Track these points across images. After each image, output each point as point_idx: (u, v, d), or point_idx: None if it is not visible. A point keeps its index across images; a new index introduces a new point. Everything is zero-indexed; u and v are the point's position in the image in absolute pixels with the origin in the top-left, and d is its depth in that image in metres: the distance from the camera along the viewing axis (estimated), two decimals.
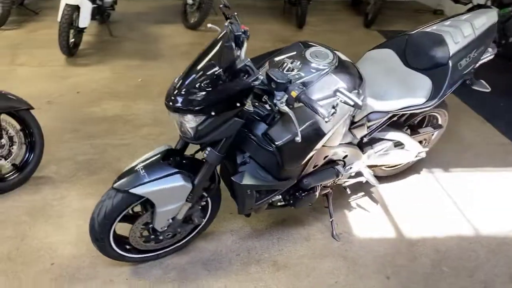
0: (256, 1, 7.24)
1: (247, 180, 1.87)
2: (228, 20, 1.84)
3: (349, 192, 2.50)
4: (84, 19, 4.64)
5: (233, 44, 1.76)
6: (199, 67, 1.64)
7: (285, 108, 1.60)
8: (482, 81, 2.57)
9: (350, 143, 2.23)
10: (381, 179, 2.77)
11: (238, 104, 1.64)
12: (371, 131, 2.29)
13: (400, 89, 2.23)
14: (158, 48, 5.12)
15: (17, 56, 4.66)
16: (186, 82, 1.62)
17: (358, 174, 2.46)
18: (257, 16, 6.33)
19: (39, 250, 2.23)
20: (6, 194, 2.59)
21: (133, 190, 1.77)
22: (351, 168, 2.38)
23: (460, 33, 2.31)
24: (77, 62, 4.66)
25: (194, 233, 2.23)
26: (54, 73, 4.33)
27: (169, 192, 1.82)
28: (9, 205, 2.52)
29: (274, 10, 6.68)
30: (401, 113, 2.26)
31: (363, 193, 2.79)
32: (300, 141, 1.62)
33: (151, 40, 5.38)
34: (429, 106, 2.26)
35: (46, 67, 4.50)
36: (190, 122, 1.64)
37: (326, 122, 1.55)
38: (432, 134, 2.84)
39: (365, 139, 2.30)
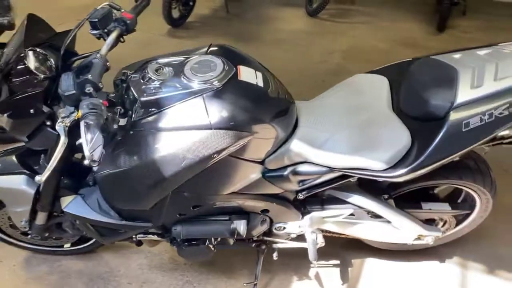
0: None
1: (73, 209, 1.51)
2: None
3: (275, 258, 1.85)
4: None
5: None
6: None
7: (60, 129, 1.16)
8: None
9: (272, 195, 1.60)
10: (378, 251, 2.05)
11: (32, 111, 1.27)
12: (308, 188, 1.60)
13: (355, 140, 1.47)
14: (265, 32, 4.78)
15: None
16: None
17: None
18: (395, 12, 5.32)
19: None
20: None
21: None
22: (284, 228, 1.74)
23: (492, 72, 1.37)
24: (176, 34, 4.71)
25: (93, 241, 1.96)
26: (147, 40, 4.38)
27: (11, 192, 1.61)
28: None
29: (425, 8, 5.51)
30: (349, 174, 1.50)
31: (336, 262, 2.06)
32: (40, 181, 1.17)
33: (264, 22, 5.08)
34: (384, 177, 1.43)
35: (146, 33, 4.63)
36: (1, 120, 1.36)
37: (89, 163, 1.06)
38: (456, 217, 1.89)
39: (300, 196, 1.62)
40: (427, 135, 1.39)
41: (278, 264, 2.01)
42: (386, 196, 1.68)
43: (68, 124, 1.15)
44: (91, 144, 1.04)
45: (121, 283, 1.96)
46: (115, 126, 1.33)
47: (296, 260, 2.03)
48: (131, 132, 1.33)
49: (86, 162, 1.08)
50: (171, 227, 1.59)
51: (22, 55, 1.27)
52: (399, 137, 1.43)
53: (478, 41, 4.52)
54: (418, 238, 1.87)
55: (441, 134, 1.35)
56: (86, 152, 1.04)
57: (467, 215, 1.93)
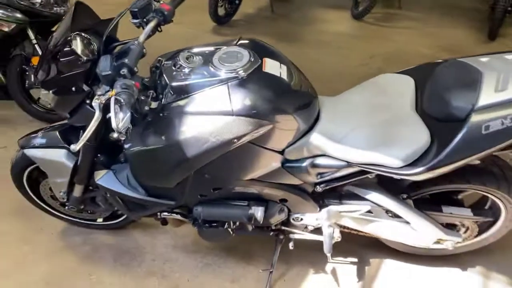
0: (464, 1, 5.97)
1: (105, 181, 1.63)
2: None
3: (291, 248, 1.90)
4: None
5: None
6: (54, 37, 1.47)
7: (95, 105, 1.28)
8: None
9: (291, 186, 1.66)
10: (398, 253, 2.06)
11: (74, 89, 1.40)
12: (327, 181, 1.64)
13: (375, 136, 1.50)
14: (309, 33, 4.81)
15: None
16: (43, 56, 1.48)
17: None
18: (444, 18, 5.18)
19: None
20: None
21: (25, 151, 1.78)
22: (301, 219, 1.79)
23: None
24: (221, 32, 4.85)
25: (123, 218, 2.10)
26: (192, 36, 4.53)
27: (53, 164, 1.76)
28: None
29: (476, 15, 5.33)
30: (366, 170, 1.53)
31: (353, 260, 2.08)
32: (75, 149, 1.30)
33: (309, 23, 5.12)
34: (401, 174, 1.45)
35: (191, 29, 4.81)
36: (44, 97, 1.51)
37: (117, 136, 1.18)
38: (480, 223, 1.86)
39: (318, 188, 1.67)
40: (446, 136, 1.40)
41: (296, 256, 2.07)
42: (404, 196, 1.69)
43: (103, 101, 1.27)
44: (119, 119, 1.15)
45: (146, 259, 2.08)
46: (146, 108, 1.44)
47: (314, 253, 2.07)
48: (161, 115, 1.44)
49: (114, 135, 1.19)
50: (192, 207, 1.68)
51: (69, 38, 1.40)
52: (418, 136, 1.45)
53: None
54: (438, 242, 1.86)
55: (460, 135, 1.36)
56: (114, 125, 1.15)
57: (492, 224, 1.89)
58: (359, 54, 4.13)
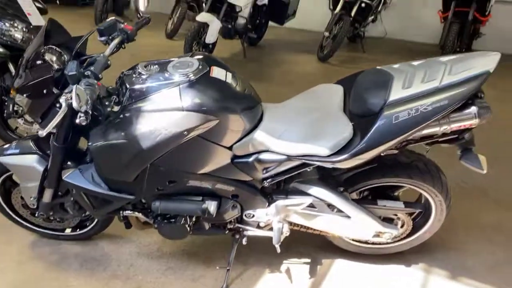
0: (418, 45, 6.52)
1: (71, 178, 1.82)
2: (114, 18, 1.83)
3: (244, 243, 2.06)
4: (211, 36, 5.12)
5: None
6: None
7: (62, 100, 1.50)
8: (480, 156, 1.75)
9: (241, 182, 1.86)
10: (348, 253, 2.24)
11: (45, 91, 1.62)
12: (272, 176, 1.85)
13: (307, 132, 1.74)
14: (277, 74, 5.19)
15: None
16: (19, 66, 1.71)
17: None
18: (403, 60, 5.59)
19: None
20: None
21: (0, 159, 1.95)
22: (253, 216, 1.97)
23: (420, 76, 1.64)
24: None
25: (89, 228, 2.24)
26: None
27: (23, 169, 1.93)
28: None
29: (433, 55, 5.74)
30: (303, 161, 1.76)
31: (306, 260, 2.24)
32: (43, 135, 1.50)
33: (278, 65, 5.52)
34: (329, 161, 1.68)
35: None
36: (18, 102, 1.72)
37: (78, 120, 1.40)
38: (412, 217, 2.07)
39: (266, 183, 1.87)
40: (365, 128, 1.64)
41: (253, 258, 2.23)
42: (341, 189, 1.90)
43: (69, 98, 1.49)
44: (79, 100, 1.38)
45: (111, 264, 2.20)
46: (109, 109, 1.66)
47: (270, 257, 2.23)
48: (121, 115, 1.66)
49: (77, 119, 1.41)
50: (151, 202, 1.85)
51: (42, 50, 1.64)
52: (342, 130, 1.69)
53: None
54: (377, 236, 2.04)
55: (375, 125, 1.61)
56: (74, 104, 1.40)
57: (426, 220, 2.10)
58: None
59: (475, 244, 2.37)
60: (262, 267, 2.20)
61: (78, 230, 2.29)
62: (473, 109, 1.60)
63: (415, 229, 2.14)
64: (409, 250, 2.23)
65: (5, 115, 3.10)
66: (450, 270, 2.21)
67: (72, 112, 1.55)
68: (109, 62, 1.71)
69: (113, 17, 1.81)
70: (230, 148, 1.76)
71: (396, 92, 1.62)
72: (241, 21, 5.44)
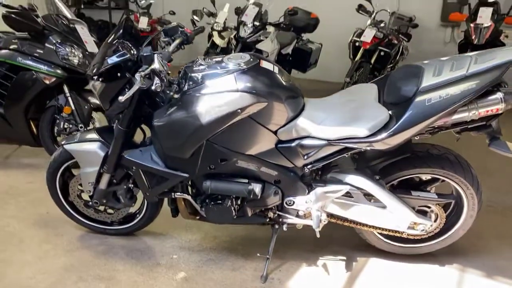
0: None
1: (132, 156, 2.01)
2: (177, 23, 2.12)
3: (285, 229, 2.17)
4: None
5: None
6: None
7: (137, 76, 1.74)
8: (508, 143, 1.90)
9: (284, 167, 2.02)
10: (383, 253, 2.31)
11: (119, 74, 1.87)
12: (313, 162, 2.01)
13: (346, 117, 1.92)
14: None
15: None
16: (96, 56, 1.98)
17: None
18: None
19: None
20: None
21: (65, 146, 2.17)
22: (293, 203, 2.11)
23: (449, 66, 1.84)
24: None
25: (135, 221, 2.39)
26: None
27: (86, 154, 2.14)
28: None
29: None
30: (343, 145, 1.92)
31: (343, 258, 2.32)
32: (122, 100, 1.72)
33: None
34: (368, 141, 1.84)
35: None
36: (92, 88, 1.96)
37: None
38: (446, 213, 2.17)
39: (306, 170, 2.03)
40: (401, 111, 1.83)
41: (290, 254, 2.32)
42: (377, 177, 2.04)
43: (143, 74, 1.73)
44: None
45: (155, 255, 2.31)
46: (170, 94, 1.90)
47: (307, 252, 2.33)
48: (182, 98, 1.88)
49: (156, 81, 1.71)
50: (202, 183, 2.01)
51: (117, 42, 1.93)
52: (379, 114, 1.87)
53: None
54: (412, 228, 2.14)
55: (410, 107, 1.79)
56: (156, 65, 1.72)
57: (459, 216, 2.20)
58: None
59: (509, 250, 2.41)
60: (300, 261, 2.29)
61: (124, 224, 2.42)
62: (499, 94, 1.78)
63: (448, 227, 2.22)
64: (441, 252, 2.30)
65: (55, 131, 3.36)
66: (484, 270, 2.25)
67: (141, 93, 1.79)
68: (172, 57, 1.96)
69: (175, 22, 2.10)
70: (275, 132, 1.94)
71: (428, 80, 1.82)
72: None
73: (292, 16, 5.88)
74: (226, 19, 5.66)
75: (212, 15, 5.72)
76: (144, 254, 2.31)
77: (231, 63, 1.90)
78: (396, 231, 2.15)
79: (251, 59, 1.93)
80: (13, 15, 2.98)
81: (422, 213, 2.15)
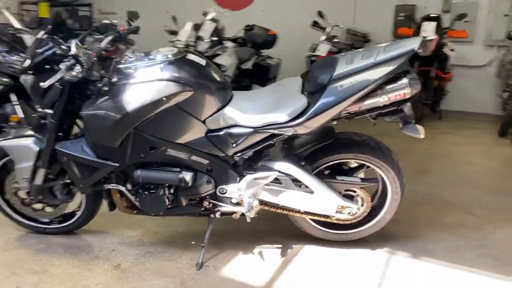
0: None
1: (63, 147, 2.07)
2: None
3: (218, 216, 2.24)
4: None
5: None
6: None
7: (61, 65, 1.82)
8: (418, 126, 2.06)
9: (215, 156, 2.11)
10: (317, 240, 2.40)
11: (48, 67, 1.94)
12: (242, 150, 2.11)
13: (268, 106, 2.04)
14: None
15: None
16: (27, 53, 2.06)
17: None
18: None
19: None
20: None
21: None
22: (226, 191, 2.19)
23: (360, 56, 2.00)
24: None
25: (75, 219, 2.41)
26: None
27: (21, 150, 2.18)
28: None
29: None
30: (266, 132, 2.03)
31: (278, 246, 2.39)
32: (44, 86, 1.80)
33: None
34: (288, 126, 1.96)
35: None
36: (23, 82, 2.02)
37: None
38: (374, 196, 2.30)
39: (236, 158, 2.12)
40: (317, 98, 1.96)
41: (228, 245, 2.38)
42: (303, 163, 2.16)
43: (68, 64, 1.82)
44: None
45: (94, 250, 2.33)
46: (100, 85, 1.98)
47: (245, 243, 2.40)
48: (110, 88, 1.97)
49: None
50: (133, 172, 2.08)
51: (46, 38, 2.01)
52: (298, 100, 2.00)
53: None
54: (340, 212, 2.24)
55: (324, 93, 1.93)
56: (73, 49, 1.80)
57: (384, 200, 2.32)
58: None
59: (438, 234, 2.55)
60: (236, 250, 2.35)
61: (63, 223, 2.44)
62: (405, 80, 1.94)
63: (375, 212, 2.34)
64: (374, 238, 2.41)
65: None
66: (413, 252, 2.36)
67: (71, 85, 1.88)
68: (102, 53, 2.05)
69: (107, 20, 2.20)
70: (204, 122, 2.04)
71: (340, 68, 1.97)
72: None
73: (249, 32, 6.08)
74: (188, 36, 5.80)
75: (174, 33, 5.86)
76: (82, 250, 2.33)
77: (159, 55, 2.01)
78: (325, 216, 2.25)
79: (178, 52, 2.04)
80: None
81: (349, 197, 2.26)
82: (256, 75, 6.63)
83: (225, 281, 2.09)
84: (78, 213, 2.39)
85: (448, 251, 2.37)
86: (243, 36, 6.03)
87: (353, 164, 2.32)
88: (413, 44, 1.95)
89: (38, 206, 2.37)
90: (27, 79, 2.01)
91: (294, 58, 6.94)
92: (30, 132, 2.19)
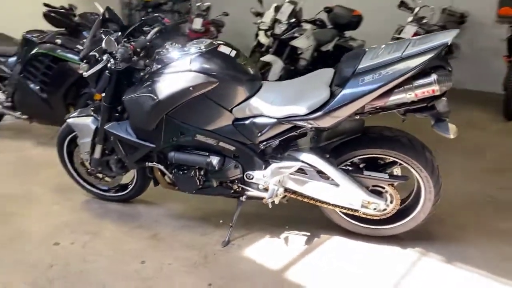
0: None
1: (110, 128, 2.34)
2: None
3: (243, 200, 2.35)
4: (274, 75, 5.69)
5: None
6: None
7: (104, 56, 2.06)
8: (450, 125, 1.94)
9: (242, 143, 2.23)
10: (347, 232, 2.41)
11: (98, 58, 2.21)
12: (267, 139, 2.19)
13: (291, 98, 2.08)
14: None
15: None
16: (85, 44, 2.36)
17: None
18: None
19: None
20: None
21: (68, 120, 2.58)
22: (252, 177, 2.30)
23: (388, 49, 1.92)
24: None
25: (128, 191, 2.73)
26: None
27: (81, 127, 2.52)
28: None
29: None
30: (289, 123, 2.08)
31: (306, 233, 2.45)
32: (86, 75, 2.04)
33: None
34: (307, 119, 1.98)
35: None
36: (81, 69, 2.33)
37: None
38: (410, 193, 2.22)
39: (262, 146, 2.21)
40: (340, 91, 1.95)
41: (258, 227, 2.50)
42: (328, 155, 2.17)
43: (104, 57, 2.06)
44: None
45: (140, 219, 2.63)
46: (141, 74, 2.20)
47: (273, 227, 2.50)
48: (147, 76, 2.17)
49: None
50: (168, 153, 2.29)
51: (100, 31, 2.27)
52: (320, 94, 1.99)
53: None
54: (366, 207, 2.22)
55: (346, 86, 1.91)
56: (103, 45, 2.06)
57: (418, 199, 2.23)
58: None
59: (486, 241, 2.36)
60: (264, 233, 2.46)
61: (119, 192, 2.78)
62: (433, 76, 1.83)
63: (410, 210, 2.27)
64: (408, 236, 2.34)
65: None
66: (447, 256, 2.24)
67: (119, 74, 2.17)
68: (148, 44, 2.26)
69: (156, 14, 2.40)
70: (230, 111, 2.16)
71: (365, 62, 1.92)
72: (302, 62, 5.94)
73: (330, 13, 5.96)
74: (272, 19, 5.88)
75: (259, 14, 6.00)
76: (132, 217, 2.64)
77: (193, 47, 2.15)
78: (351, 209, 2.24)
79: (210, 43, 2.16)
80: (51, 14, 3.49)
81: (377, 193, 2.22)
82: (337, 56, 6.46)
83: (243, 260, 2.22)
84: (131, 186, 2.69)
85: (490, 260, 2.21)
86: (328, 18, 5.92)
87: (389, 159, 2.25)
88: (446, 37, 1.82)
89: (99, 175, 2.71)
90: (83, 67, 2.30)
91: (380, 40, 6.58)
92: (90, 112, 2.51)
